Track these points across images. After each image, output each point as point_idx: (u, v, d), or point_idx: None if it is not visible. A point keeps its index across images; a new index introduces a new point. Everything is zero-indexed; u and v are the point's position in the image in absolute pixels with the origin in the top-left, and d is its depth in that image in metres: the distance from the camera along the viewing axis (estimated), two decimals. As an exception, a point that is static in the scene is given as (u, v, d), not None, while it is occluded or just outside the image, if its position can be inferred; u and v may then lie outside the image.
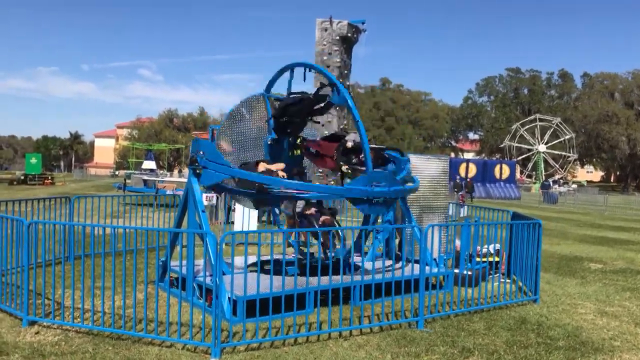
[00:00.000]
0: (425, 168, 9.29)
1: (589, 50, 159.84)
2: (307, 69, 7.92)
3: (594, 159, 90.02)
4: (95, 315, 6.11)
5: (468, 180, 36.31)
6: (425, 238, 6.50)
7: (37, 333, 5.69)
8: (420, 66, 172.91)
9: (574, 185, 68.52)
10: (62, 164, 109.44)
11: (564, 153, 77.53)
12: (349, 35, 22.09)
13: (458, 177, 38.21)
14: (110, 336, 5.61)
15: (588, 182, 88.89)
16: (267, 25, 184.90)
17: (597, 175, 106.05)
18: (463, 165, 45.68)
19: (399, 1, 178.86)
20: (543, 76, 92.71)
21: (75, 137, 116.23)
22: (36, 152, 55.68)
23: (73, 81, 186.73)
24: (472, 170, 45.46)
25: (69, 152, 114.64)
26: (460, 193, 32.98)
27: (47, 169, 75.61)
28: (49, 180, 43.21)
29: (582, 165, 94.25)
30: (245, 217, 11.51)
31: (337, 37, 21.96)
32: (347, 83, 22.71)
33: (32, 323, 5.93)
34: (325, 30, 22.11)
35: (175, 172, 63.13)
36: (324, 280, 6.62)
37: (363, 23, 22.51)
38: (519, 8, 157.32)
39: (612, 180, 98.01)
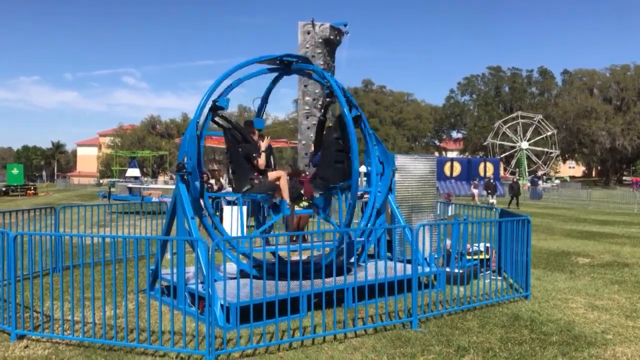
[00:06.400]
0: (414, 168, 9.31)
1: (567, 47, 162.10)
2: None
3: (576, 154, 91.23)
4: (85, 326, 6.03)
5: (489, 178, 31.84)
6: (416, 238, 6.50)
7: (26, 347, 5.58)
8: (402, 67, 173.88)
9: (557, 181, 69.30)
10: (44, 174, 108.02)
11: (546, 149, 78.45)
12: (332, 37, 22.08)
13: (488, 177, 33.26)
14: (102, 347, 5.52)
15: (571, 177, 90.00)
16: (250, 30, 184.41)
17: (579, 170, 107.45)
18: (448, 164, 46.01)
19: (379, 3, 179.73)
20: (523, 74, 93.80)
21: (57, 147, 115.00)
22: (17, 163, 54.95)
23: (56, 90, 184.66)
24: (457, 168, 45.78)
25: (51, 162, 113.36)
26: (446, 192, 32.54)
27: (29, 179, 74.61)
28: (32, 191, 42.61)
29: (564, 161, 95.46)
30: (234, 223, 11.42)
31: (320, 40, 21.93)
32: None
33: (21, 337, 5.81)
34: (308, 33, 22.08)
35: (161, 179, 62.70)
36: (317, 283, 6.59)
37: (345, 25, 22.53)
38: (500, 7, 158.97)
39: (594, 175, 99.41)
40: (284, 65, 7.75)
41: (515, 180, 31.42)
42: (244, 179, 7.41)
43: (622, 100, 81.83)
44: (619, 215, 24.36)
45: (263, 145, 7.68)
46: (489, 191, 28.45)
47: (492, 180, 30.29)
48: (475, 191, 30.89)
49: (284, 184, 7.66)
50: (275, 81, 8.28)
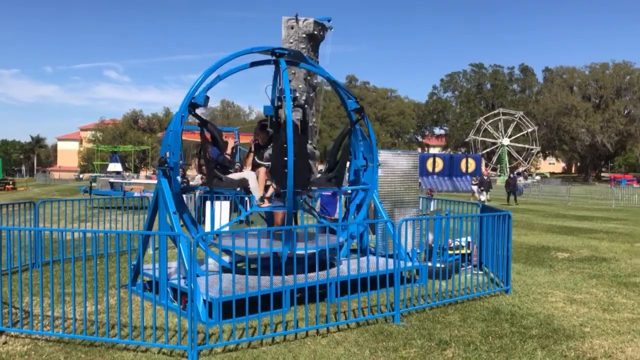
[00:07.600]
0: (396, 163, 9.36)
1: (548, 45, 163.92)
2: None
3: (556, 151, 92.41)
4: (65, 322, 5.96)
5: (485, 176, 31.04)
6: (399, 232, 6.54)
7: (4, 343, 5.50)
8: (386, 63, 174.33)
9: (537, 177, 70.15)
10: (23, 168, 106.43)
11: (527, 146, 79.38)
12: (316, 33, 21.96)
13: (486, 175, 33.54)
14: (83, 343, 5.47)
15: (551, 173, 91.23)
16: (235, 25, 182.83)
17: (559, 166, 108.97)
18: (430, 160, 46.32)
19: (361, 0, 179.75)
20: (505, 71, 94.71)
21: (37, 141, 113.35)
22: (-5, 157, 54.00)
23: (36, 84, 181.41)
24: (439, 164, 46.11)
25: (31, 156, 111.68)
26: (429, 187, 32.69)
27: (7, 174, 73.39)
28: (10, 186, 41.95)
29: (545, 157, 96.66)
30: (216, 217, 11.36)
31: (304, 35, 21.76)
32: (315, 81, 22.72)
33: (0, 333, 5.73)
34: (292, 28, 21.91)
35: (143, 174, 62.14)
36: (300, 278, 6.60)
37: (329, 21, 22.42)
38: (483, 4, 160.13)
39: (573, 171, 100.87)
40: (275, 58, 7.74)
41: (511, 176, 31.40)
42: (210, 175, 7.53)
43: (600, 98, 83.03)
44: (598, 211, 24.76)
45: (228, 147, 7.81)
46: (482, 188, 28.46)
47: (486, 177, 30.26)
48: (475, 188, 30.92)
49: (253, 186, 7.63)
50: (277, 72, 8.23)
